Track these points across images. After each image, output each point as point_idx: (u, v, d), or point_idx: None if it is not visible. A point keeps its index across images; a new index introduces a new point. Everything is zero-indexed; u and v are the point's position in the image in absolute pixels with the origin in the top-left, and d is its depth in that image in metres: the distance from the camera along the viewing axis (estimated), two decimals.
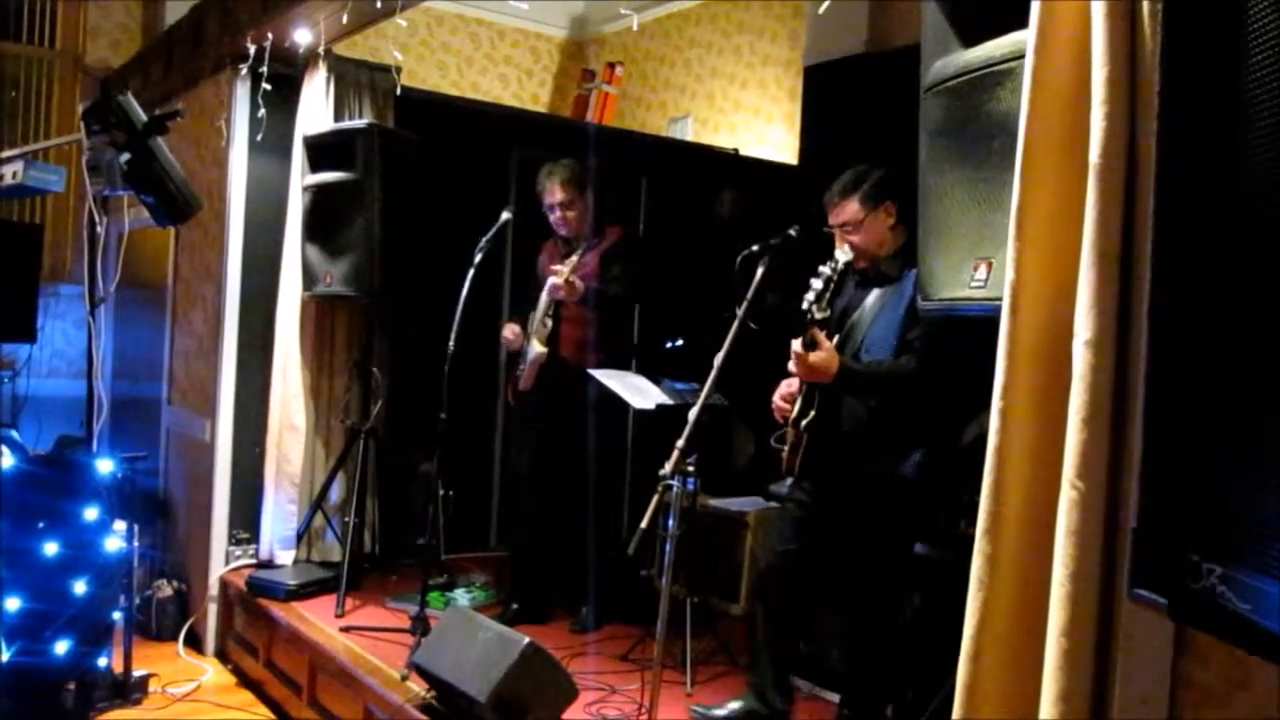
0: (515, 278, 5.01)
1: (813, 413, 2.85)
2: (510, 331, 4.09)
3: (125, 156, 3.31)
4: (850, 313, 3.02)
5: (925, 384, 2.82)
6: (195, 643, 4.62)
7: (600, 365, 3.94)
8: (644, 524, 2.49)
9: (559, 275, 3.79)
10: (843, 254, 2.92)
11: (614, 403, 3.95)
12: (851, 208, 2.97)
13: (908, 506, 2.87)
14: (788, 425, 2.91)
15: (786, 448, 2.89)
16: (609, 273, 3.97)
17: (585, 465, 3.95)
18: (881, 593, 2.93)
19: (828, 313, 2.82)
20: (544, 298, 3.95)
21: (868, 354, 2.92)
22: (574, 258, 3.89)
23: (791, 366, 2.86)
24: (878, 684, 2.92)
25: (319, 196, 4.38)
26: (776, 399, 3.01)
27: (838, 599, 3.17)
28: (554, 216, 4.02)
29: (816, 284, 2.81)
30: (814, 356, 2.78)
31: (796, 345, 2.80)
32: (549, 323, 3.96)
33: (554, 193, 3.98)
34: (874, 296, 2.99)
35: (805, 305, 2.79)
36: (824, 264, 2.85)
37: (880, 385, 2.89)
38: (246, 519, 4.61)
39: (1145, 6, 1.51)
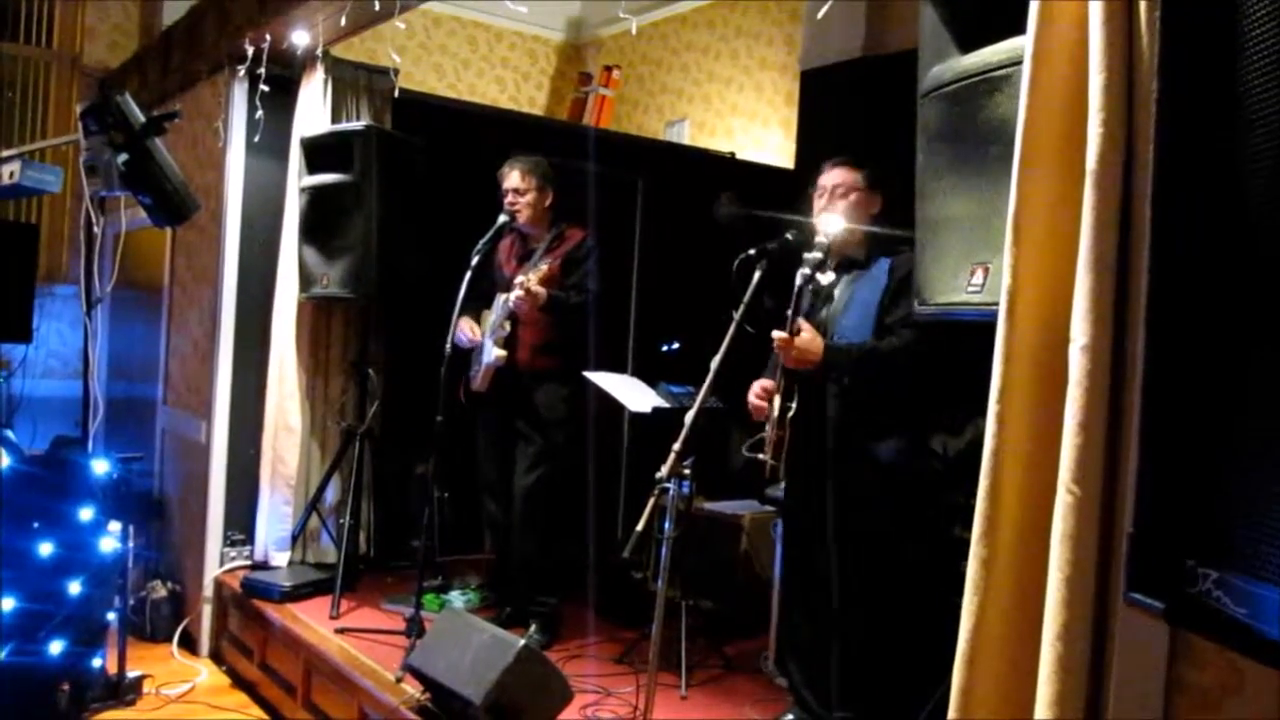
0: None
1: (794, 405, 2.83)
2: (470, 329, 3.98)
3: (123, 157, 3.30)
4: (820, 307, 3.01)
5: (909, 365, 2.81)
6: (189, 644, 4.61)
7: (555, 369, 3.91)
8: (640, 526, 2.49)
9: (524, 285, 3.68)
10: (826, 228, 2.89)
11: (571, 405, 3.95)
12: (854, 176, 3.01)
13: (891, 498, 2.85)
14: (766, 425, 2.89)
15: (769, 453, 2.87)
16: (569, 279, 3.88)
17: (545, 468, 3.92)
18: (876, 593, 2.91)
19: (831, 277, 2.81)
20: (505, 302, 3.85)
21: (842, 338, 2.91)
22: (542, 266, 3.77)
23: (778, 355, 2.84)
24: (873, 686, 2.91)
25: (316, 198, 4.38)
26: (752, 397, 3.00)
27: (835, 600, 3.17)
28: (507, 201, 3.94)
29: (815, 256, 2.80)
30: (800, 339, 2.78)
31: (779, 333, 2.79)
32: (508, 326, 3.88)
33: (511, 179, 3.93)
34: (842, 285, 2.99)
35: (802, 281, 2.76)
36: (811, 252, 2.83)
37: (866, 364, 2.85)
38: (242, 520, 4.61)
39: (1143, 13, 1.51)
